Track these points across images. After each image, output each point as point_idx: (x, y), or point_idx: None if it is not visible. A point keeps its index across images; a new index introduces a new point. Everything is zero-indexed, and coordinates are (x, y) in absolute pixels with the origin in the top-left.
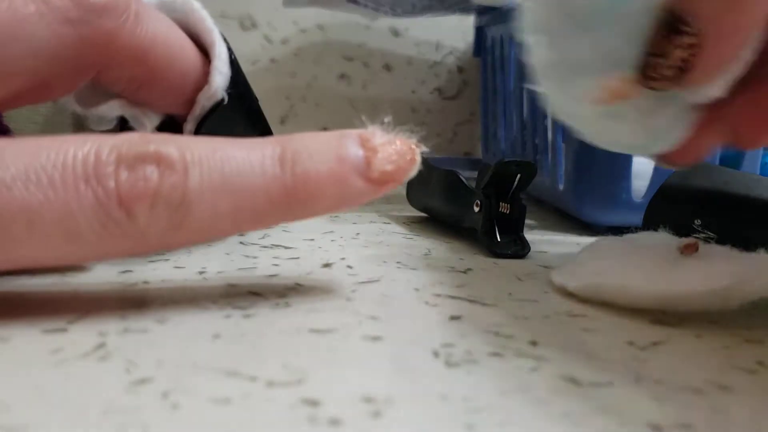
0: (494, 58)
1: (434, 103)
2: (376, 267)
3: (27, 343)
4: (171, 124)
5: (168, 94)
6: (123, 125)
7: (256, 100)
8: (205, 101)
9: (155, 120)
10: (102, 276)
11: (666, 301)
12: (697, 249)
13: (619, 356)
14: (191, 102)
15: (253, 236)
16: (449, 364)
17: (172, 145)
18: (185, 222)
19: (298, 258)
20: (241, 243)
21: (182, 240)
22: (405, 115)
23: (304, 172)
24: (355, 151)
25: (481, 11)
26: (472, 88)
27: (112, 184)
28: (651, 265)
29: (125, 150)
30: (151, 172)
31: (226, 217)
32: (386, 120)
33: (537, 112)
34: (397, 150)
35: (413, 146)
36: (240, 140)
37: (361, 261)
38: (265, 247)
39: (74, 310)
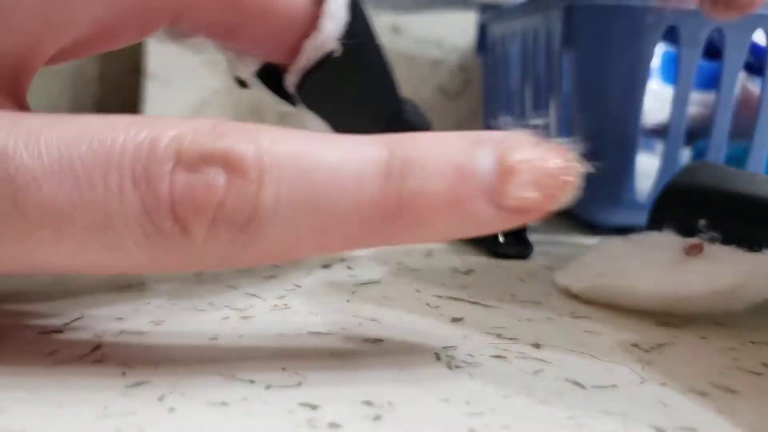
0: (496, 56)
1: (436, 102)
2: (376, 268)
3: (22, 344)
4: (273, 72)
5: (265, 41)
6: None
7: (382, 55)
8: (311, 51)
9: (253, 66)
10: (98, 278)
11: (671, 302)
12: (702, 250)
13: (624, 358)
14: (297, 50)
15: None
16: (451, 366)
17: (248, 142)
18: (254, 242)
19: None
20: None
21: (250, 262)
22: None
23: (413, 192)
24: (488, 166)
25: (484, 9)
26: (474, 87)
27: (165, 188)
28: (655, 266)
29: (188, 144)
30: (216, 177)
31: (307, 241)
32: (540, 121)
33: (540, 110)
34: (548, 170)
35: (570, 164)
36: (338, 138)
37: (361, 262)
38: None
39: (70, 312)
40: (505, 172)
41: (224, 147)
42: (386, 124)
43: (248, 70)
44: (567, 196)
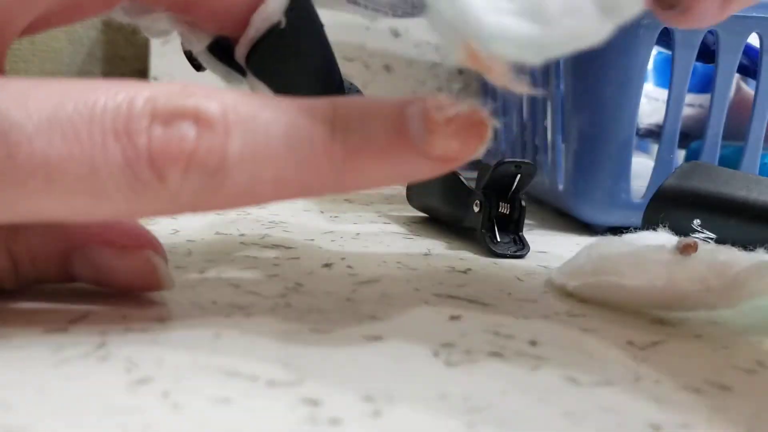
0: None
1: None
2: (376, 267)
3: (28, 342)
4: (224, 46)
5: (218, 15)
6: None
7: (323, 33)
8: (259, 23)
9: (205, 40)
10: None
11: (665, 301)
12: (696, 249)
13: (619, 356)
14: (247, 22)
15: (254, 236)
16: (449, 363)
17: (214, 101)
18: (222, 188)
19: (298, 258)
20: (241, 243)
21: (218, 205)
22: None
23: (357, 143)
24: (417, 123)
25: None
26: (472, 90)
27: (143, 141)
28: (650, 266)
29: (162, 103)
30: (188, 130)
31: (267, 186)
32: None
33: (537, 113)
34: (466, 122)
35: (485, 117)
36: (289, 100)
37: (361, 261)
38: (265, 247)
39: (75, 310)
40: (431, 127)
41: (194, 104)
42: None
43: (201, 44)
44: (483, 146)
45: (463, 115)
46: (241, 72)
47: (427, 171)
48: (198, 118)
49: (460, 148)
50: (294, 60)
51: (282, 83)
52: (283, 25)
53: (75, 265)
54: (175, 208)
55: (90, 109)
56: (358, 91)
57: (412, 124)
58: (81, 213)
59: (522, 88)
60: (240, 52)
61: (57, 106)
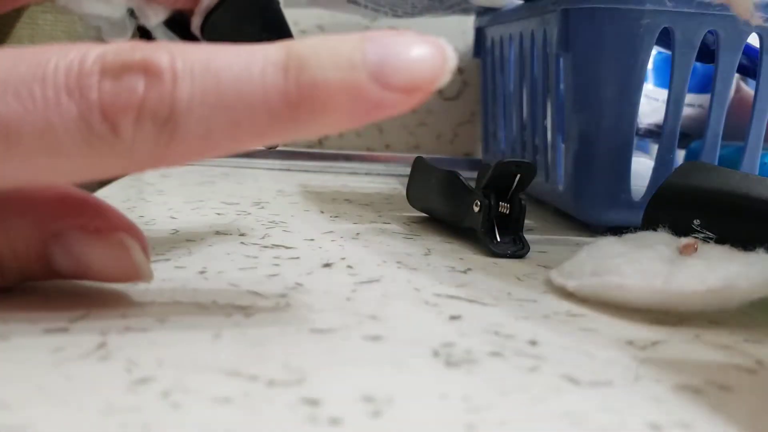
0: (494, 58)
1: (434, 104)
2: (376, 267)
3: (28, 342)
4: (180, 21)
5: None
6: (142, 36)
7: (277, 6)
8: None
9: (162, 14)
10: None
11: (665, 300)
12: (696, 249)
13: (619, 356)
14: None
15: (254, 236)
16: (449, 363)
17: (162, 52)
18: (175, 137)
19: (298, 258)
20: (242, 243)
21: (175, 157)
22: (405, 116)
23: (311, 80)
24: (375, 55)
25: (481, 12)
26: (472, 89)
27: (94, 95)
28: (650, 265)
29: (111, 58)
30: (137, 82)
31: (222, 133)
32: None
33: (537, 112)
34: (427, 52)
35: (446, 48)
36: (241, 46)
37: (361, 261)
38: (265, 246)
39: (75, 310)
40: (392, 57)
41: (142, 56)
42: None
43: (157, 19)
44: (445, 76)
45: (422, 44)
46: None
47: (390, 105)
48: (146, 69)
49: (422, 77)
50: (248, 29)
51: None
52: None
53: (55, 256)
54: (133, 161)
55: (42, 69)
56: None
57: (371, 56)
58: (42, 173)
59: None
60: (195, 23)
61: (10, 68)
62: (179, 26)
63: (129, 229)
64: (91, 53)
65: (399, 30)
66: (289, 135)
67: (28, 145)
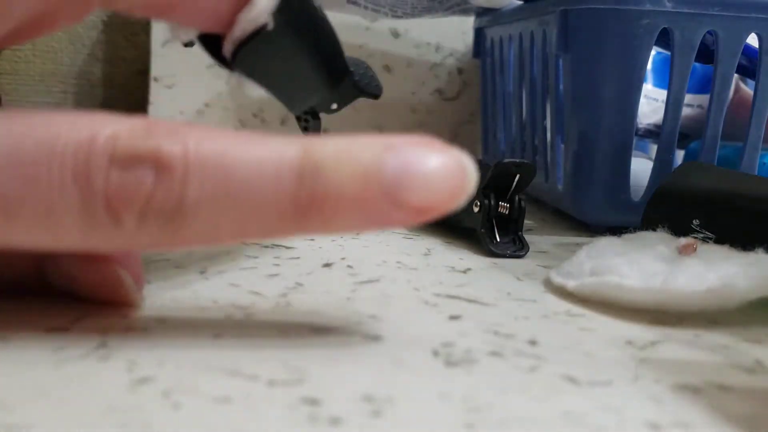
0: (494, 59)
1: (434, 104)
2: (376, 267)
3: (29, 342)
4: (214, 40)
5: (199, 16)
6: None
7: (322, 26)
8: (244, 24)
9: (192, 33)
10: None
11: (664, 300)
12: (695, 249)
13: (618, 356)
14: (233, 21)
15: None
16: (449, 363)
17: (175, 142)
18: (179, 233)
19: (298, 258)
20: (241, 243)
21: (177, 245)
22: (405, 116)
23: (324, 191)
24: (393, 171)
25: (481, 13)
26: (472, 90)
27: (100, 184)
28: (650, 265)
29: (122, 143)
30: (146, 175)
31: (227, 230)
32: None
33: (536, 113)
34: (448, 173)
35: (467, 168)
36: (260, 139)
37: (361, 261)
38: (265, 246)
39: (76, 310)
40: (409, 175)
41: (153, 147)
42: (330, 89)
43: (187, 37)
44: (463, 198)
45: (445, 164)
46: (230, 67)
47: (401, 221)
48: (157, 162)
49: (438, 199)
50: (282, 62)
51: (274, 83)
52: (271, 27)
53: (49, 273)
54: (132, 246)
55: (50, 147)
56: (366, 69)
57: (387, 173)
58: (42, 245)
59: None
60: (227, 50)
61: (17, 142)
62: (212, 45)
63: (123, 259)
64: (102, 134)
65: (424, 140)
66: (293, 234)
67: (27, 222)
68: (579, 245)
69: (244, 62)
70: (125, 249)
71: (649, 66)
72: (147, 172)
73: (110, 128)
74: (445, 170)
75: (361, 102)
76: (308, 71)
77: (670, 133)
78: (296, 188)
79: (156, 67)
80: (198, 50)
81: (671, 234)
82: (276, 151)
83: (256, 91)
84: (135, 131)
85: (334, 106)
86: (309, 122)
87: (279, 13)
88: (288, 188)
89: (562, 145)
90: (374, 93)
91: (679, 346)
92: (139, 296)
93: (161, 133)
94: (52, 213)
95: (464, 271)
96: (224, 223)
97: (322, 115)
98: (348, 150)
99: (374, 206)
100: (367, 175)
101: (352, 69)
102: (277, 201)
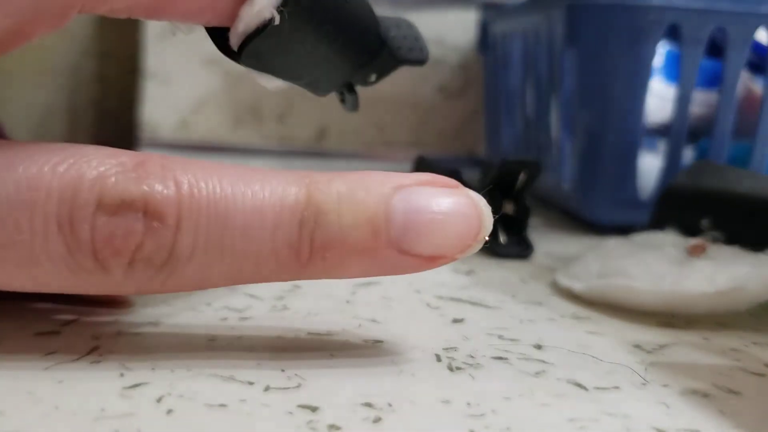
0: (498, 55)
1: (437, 101)
2: None
3: (19, 346)
4: (220, 32)
5: (196, 14)
6: None
7: (351, 11)
8: (248, 18)
9: (194, 27)
10: None
11: (673, 303)
12: (705, 250)
13: (626, 359)
14: (234, 15)
15: None
16: (452, 368)
17: (168, 185)
18: (169, 281)
19: None
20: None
21: (166, 291)
22: (407, 113)
23: (326, 240)
24: (402, 219)
25: (485, 7)
26: (476, 86)
27: (86, 232)
28: (658, 267)
29: (109, 188)
30: (136, 222)
31: (221, 277)
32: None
33: (542, 110)
34: (460, 221)
35: (484, 212)
36: (261, 177)
37: None
38: None
39: (67, 313)
40: (419, 223)
41: (144, 192)
42: (363, 67)
43: (188, 30)
44: (475, 249)
45: (457, 210)
46: (238, 59)
47: (408, 269)
48: (147, 209)
49: (450, 247)
50: (297, 54)
51: (286, 74)
52: (277, 21)
53: None
54: (120, 291)
55: (33, 192)
56: (409, 31)
57: (395, 222)
58: (27, 289)
59: None
60: (233, 42)
61: (1, 185)
62: (219, 36)
63: None
64: (88, 175)
65: (439, 179)
66: (291, 280)
67: (9, 270)
68: (586, 246)
69: (252, 57)
70: (109, 293)
71: (660, 62)
72: (136, 219)
73: (96, 170)
74: (457, 217)
75: (362, 99)
76: (330, 57)
77: (679, 131)
78: (297, 237)
79: (150, 64)
80: (193, 46)
81: (680, 234)
82: (276, 194)
83: (271, 83)
84: (123, 173)
85: (373, 78)
86: (344, 95)
87: (285, 5)
88: (288, 237)
89: (568, 143)
90: (417, 60)
91: (688, 349)
92: (130, 300)
93: (153, 175)
94: (35, 261)
95: (467, 273)
96: (218, 271)
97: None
98: (353, 193)
99: (380, 255)
100: (373, 223)
101: (392, 34)
102: (276, 250)
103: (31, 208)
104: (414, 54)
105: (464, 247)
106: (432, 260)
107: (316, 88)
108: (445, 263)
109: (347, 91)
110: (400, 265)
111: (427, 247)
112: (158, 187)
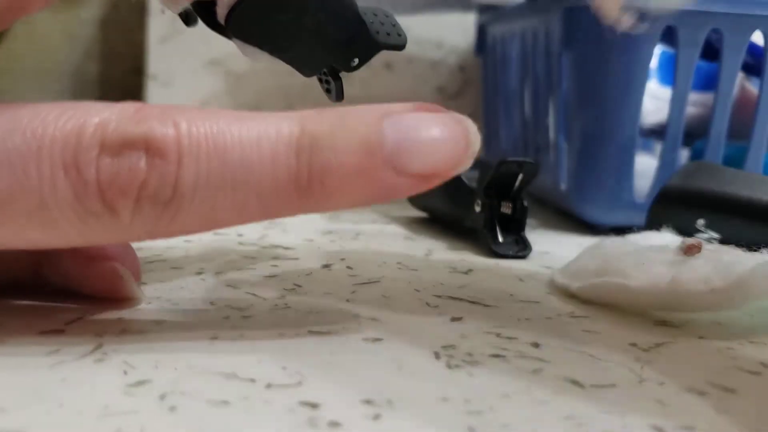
0: (496, 56)
1: (436, 101)
2: (376, 267)
3: (24, 344)
4: (207, 6)
5: None
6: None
7: None
8: None
9: (183, 3)
10: None
11: (669, 302)
12: (700, 249)
13: (622, 358)
14: None
15: (253, 236)
16: (450, 365)
17: (167, 125)
18: (177, 218)
19: (297, 258)
20: (239, 243)
21: (174, 233)
22: None
23: (324, 165)
24: (393, 138)
25: (483, 9)
26: (474, 87)
27: (92, 173)
28: (654, 266)
29: (112, 130)
30: (139, 160)
31: (227, 212)
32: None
33: (539, 111)
34: (449, 137)
35: (470, 130)
36: (254, 118)
37: (361, 261)
38: (264, 247)
39: (71, 312)
40: (410, 141)
41: (145, 131)
42: (344, 48)
43: (178, 7)
44: (468, 162)
45: (446, 126)
46: (227, 34)
47: (405, 190)
48: (149, 147)
49: (441, 164)
50: (279, 24)
51: (271, 46)
52: None
53: (46, 271)
54: (130, 236)
55: (38, 140)
56: (387, 18)
57: (387, 141)
58: (34, 243)
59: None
60: (220, 14)
61: (4, 137)
62: (206, 11)
63: (121, 255)
64: (90, 122)
65: (423, 105)
66: (297, 213)
67: (19, 219)
68: (582, 246)
69: (237, 27)
70: (123, 240)
71: (655, 64)
72: (139, 157)
73: (98, 116)
74: (447, 133)
75: (361, 100)
76: (313, 30)
77: (675, 132)
78: (295, 165)
79: (152, 65)
80: (195, 48)
81: (676, 234)
82: (271, 128)
83: (258, 56)
84: (124, 117)
85: (355, 62)
86: (330, 84)
87: None
88: (286, 166)
89: (566, 144)
90: (396, 44)
91: (684, 348)
92: (139, 291)
93: (152, 117)
94: (45, 207)
95: (466, 272)
96: (222, 206)
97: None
98: (345, 121)
99: (376, 176)
100: (367, 144)
101: (370, 20)
102: (276, 179)
103: (37, 156)
104: (392, 39)
105: (456, 162)
106: (426, 179)
107: (301, 65)
108: (439, 182)
109: (332, 78)
110: (397, 186)
111: (421, 165)
112: (158, 127)
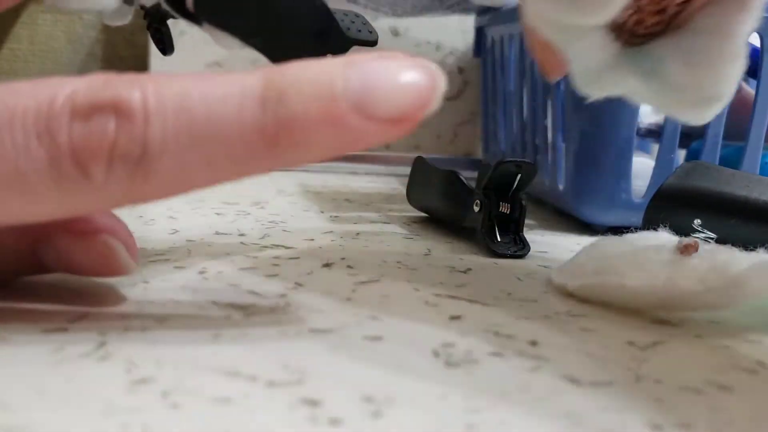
0: (494, 58)
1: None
2: (376, 267)
3: (27, 342)
4: None
5: None
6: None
7: None
8: None
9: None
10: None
11: (666, 301)
12: (696, 249)
13: (620, 356)
14: None
15: (254, 236)
16: (449, 364)
17: (134, 89)
18: (149, 177)
19: (298, 258)
20: (241, 243)
21: (151, 194)
22: None
23: (290, 114)
24: (357, 83)
25: (482, 12)
26: (473, 89)
27: (64, 138)
28: (651, 265)
29: (81, 97)
30: (108, 122)
31: (198, 169)
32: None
33: (537, 112)
34: (414, 79)
35: (435, 72)
36: (220, 77)
37: (361, 261)
38: (265, 247)
39: (75, 310)
40: (376, 85)
41: (112, 95)
42: (313, 39)
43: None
44: (434, 104)
45: (409, 70)
46: (198, 21)
47: (374, 136)
48: (117, 109)
49: (408, 106)
50: (246, 10)
51: (240, 33)
52: None
53: (43, 253)
54: (108, 200)
55: (11, 112)
56: (358, 17)
57: (353, 86)
58: (16, 214)
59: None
60: (189, 4)
61: None
62: (176, 2)
63: (112, 228)
64: (61, 92)
65: (386, 53)
66: (269, 168)
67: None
68: (580, 245)
69: (202, 10)
70: (102, 206)
71: None
72: (108, 119)
73: (69, 87)
74: (412, 75)
75: None
76: (277, 15)
77: (672, 133)
78: (261, 116)
79: (154, 67)
80: (196, 50)
81: (673, 234)
82: (236, 84)
83: (229, 43)
84: (93, 85)
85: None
86: None
87: None
88: (253, 118)
89: (563, 145)
90: (366, 40)
91: (680, 346)
92: (132, 264)
93: (119, 83)
94: (20, 174)
95: (465, 271)
96: (192, 163)
97: None
98: (309, 71)
99: (343, 122)
100: (331, 90)
101: (341, 19)
102: (243, 132)
103: (10, 125)
104: (363, 35)
105: (423, 103)
106: (395, 123)
107: (273, 54)
108: (409, 127)
109: None
110: (366, 132)
111: (388, 108)
112: (125, 91)
